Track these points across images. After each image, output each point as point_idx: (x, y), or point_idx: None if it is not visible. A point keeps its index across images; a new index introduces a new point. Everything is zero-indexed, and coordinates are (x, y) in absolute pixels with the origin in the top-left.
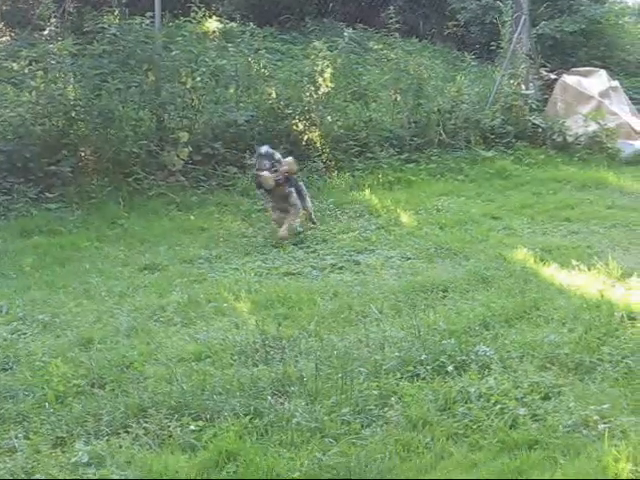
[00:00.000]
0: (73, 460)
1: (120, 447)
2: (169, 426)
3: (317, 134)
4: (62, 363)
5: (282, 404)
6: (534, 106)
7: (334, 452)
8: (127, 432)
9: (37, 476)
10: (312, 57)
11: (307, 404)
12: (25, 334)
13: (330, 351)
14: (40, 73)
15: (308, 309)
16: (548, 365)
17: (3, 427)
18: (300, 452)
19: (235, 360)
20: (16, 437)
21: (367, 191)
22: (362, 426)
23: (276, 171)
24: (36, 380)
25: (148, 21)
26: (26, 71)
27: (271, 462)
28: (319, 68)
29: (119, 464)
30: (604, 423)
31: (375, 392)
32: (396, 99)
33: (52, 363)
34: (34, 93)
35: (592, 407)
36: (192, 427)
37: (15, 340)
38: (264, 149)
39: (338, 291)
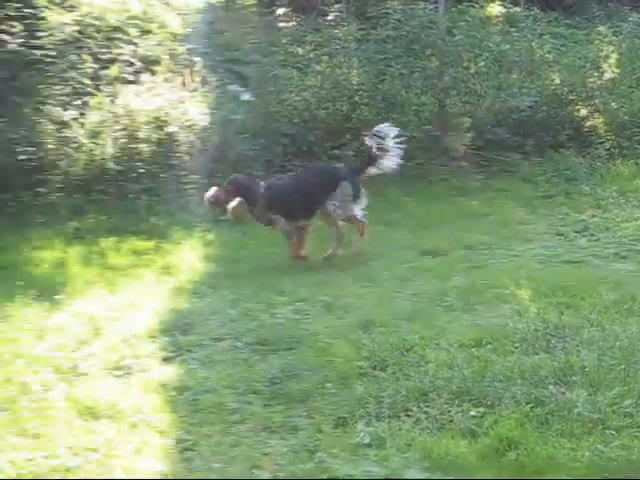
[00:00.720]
0: (355, 441)
1: (400, 430)
2: (449, 411)
3: (600, 120)
4: (344, 344)
5: (563, 393)
6: None
7: (616, 445)
8: (408, 415)
9: (318, 455)
10: (596, 42)
11: (589, 395)
12: (308, 314)
13: (613, 342)
14: (325, 58)
15: (590, 298)
16: None
17: (287, 405)
18: (581, 443)
19: (516, 348)
20: (299, 416)
21: None
22: None
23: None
24: (319, 360)
25: (432, 6)
26: (311, 56)
27: (551, 451)
28: (603, 53)
29: (399, 447)
30: None
31: None
32: None
33: (334, 344)
34: (319, 78)
35: None
36: (473, 413)
37: (298, 320)
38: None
39: (621, 281)
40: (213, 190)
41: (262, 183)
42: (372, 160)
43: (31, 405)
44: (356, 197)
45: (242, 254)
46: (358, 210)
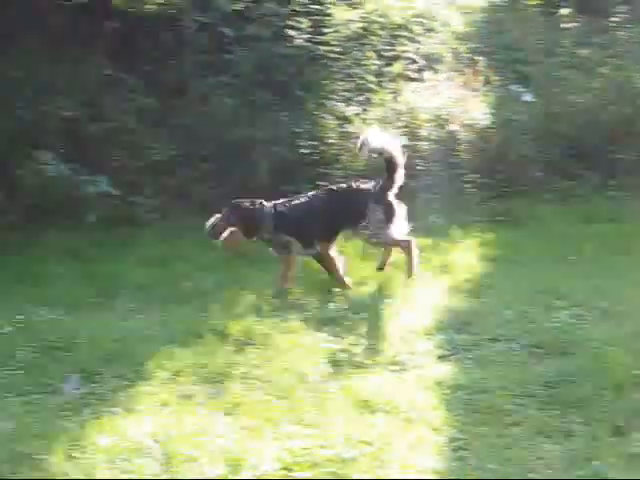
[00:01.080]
0: (631, 450)
1: None
2: None
3: None
4: (622, 352)
5: None
6: None
7: None
8: None
9: (594, 463)
10: None
11: None
12: (585, 320)
13: None
14: (610, 60)
15: None
16: None
17: (562, 410)
18: None
19: None
20: (575, 421)
21: None
22: None
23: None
24: (595, 366)
25: None
26: (595, 58)
27: None
28: None
29: None
30: None
31: None
32: None
33: (611, 351)
34: (603, 80)
35: None
36: None
37: (575, 325)
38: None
39: None
40: (213, 218)
41: (268, 205)
42: (391, 172)
43: (308, 395)
44: (389, 219)
45: (521, 256)
46: (395, 233)
